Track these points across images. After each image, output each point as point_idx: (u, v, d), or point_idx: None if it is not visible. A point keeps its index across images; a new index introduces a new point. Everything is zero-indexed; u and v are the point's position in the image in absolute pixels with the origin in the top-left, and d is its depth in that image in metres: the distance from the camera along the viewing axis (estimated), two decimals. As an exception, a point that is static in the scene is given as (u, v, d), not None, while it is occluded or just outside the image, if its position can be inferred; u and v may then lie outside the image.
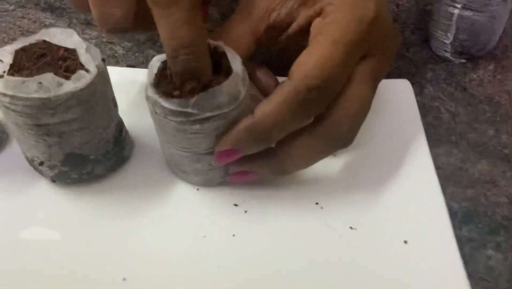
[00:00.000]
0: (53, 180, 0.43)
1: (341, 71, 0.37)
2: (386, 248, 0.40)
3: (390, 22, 0.41)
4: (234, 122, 0.39)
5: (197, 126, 0.38)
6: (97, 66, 0.38)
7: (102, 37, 0.63)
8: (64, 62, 0.38)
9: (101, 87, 0.39)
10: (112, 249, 0.40)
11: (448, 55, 0.62)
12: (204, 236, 0.41)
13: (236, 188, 0.44)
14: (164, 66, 0.39)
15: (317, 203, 0.43)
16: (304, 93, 0.35)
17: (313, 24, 0.40)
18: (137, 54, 0.62)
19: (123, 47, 0.62)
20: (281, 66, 0.58)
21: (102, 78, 0.39)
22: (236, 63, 0.39)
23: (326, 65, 0.36)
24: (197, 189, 0.44)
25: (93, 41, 0.63)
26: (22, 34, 0.63)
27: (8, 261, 0.38)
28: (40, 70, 0.37)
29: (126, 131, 0.46)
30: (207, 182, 0.44)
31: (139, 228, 0.41)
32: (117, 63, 0.60)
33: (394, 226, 0.41)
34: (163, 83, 0.38)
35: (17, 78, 0.36)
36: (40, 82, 0.35)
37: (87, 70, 0.37)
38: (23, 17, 0.66)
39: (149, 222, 0.41)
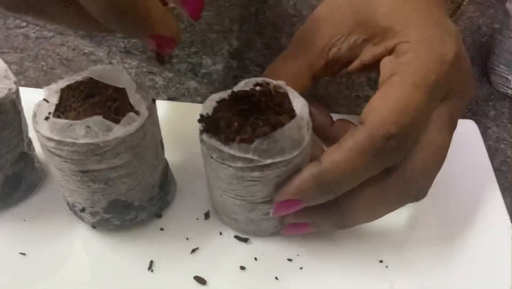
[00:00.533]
0: (94, 226, 0.40)
1: (421, 117, 0.33)
2: (463, 317, 0.35)
3: (469, 61, 0.37)
4: (296, 170, 0.35)
5: (257, 174, 0.34)
6: (148, 108, 0.35)
7: (143, 66, 0.61)
8: (113, 103, 0.35)
9: (151, 130, 0.36)
10: (156, 306, 0.36)
11: (511, 92, 0.57)
12: (256, 296, 0.37)
13: (290, 240, 0.40)
14: (219, 107, 0.36)
15: (381, 261, 0.39)
16: (380, 142, 0.32)
17: (383, 62, 0.36)
18: (178, 85, 0.59)
19: (163, 77, 0.60)
20: (329, 102, 0.54)
21: (152, 121, 0.36)
22: (299, 105, 0.35)
23: (406, 111, 0.32)
24: (247, 240, 0.40)
25: (133, 70, 0.61)
26: (61, 63, 0.61)
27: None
28: (87, 112, 0.34)
29: (171, 174, 0.43)
30: (259, 232, 0.40)
31: (183, 281, 0.37)
32: (157, 95, 0.58)
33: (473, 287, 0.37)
34: (219, 126, 0.34)
35: (63, 121, 0.33)
36: (88, 126, 0.33)
37: (137, 113, 0.34)
38: (62, 45, 0.64)
39: (190, 275, 0.38)
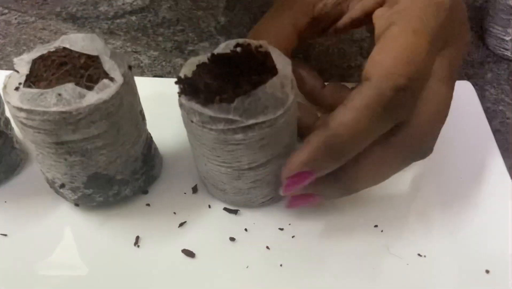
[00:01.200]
0: (76, 204, 0.38)
1: (427, 66, 0.31)
2: (465, 278, 0.34)
3: (465, 8, 0.35)
4: (281, 132, 0.34)
5: (240, 136, 0.32)
6: (123, 75, 0.33)
7: (127, 46, 0.59)
8: (86, 70, 0.33)
9: (128, 98, 0.34)
10: (142, 282, 0.34)
11: (508, 53, 0.55)
12: (247, 267, 0.35)
13: (281, 209, 0.38)
14: (199, 71, 0.34)
15: (376, 226, 0.37)
16: (390, 96, 0.29)
17: (376, 14, 0.34)
18: (163, 63, 0.57)
19: (149, 56, 0.58)
20: (321, 72, 0.52)
21: (129, 88, 0.34)
22: (282, 63, 0.33)
23: (411, 60, 0.30)
24: (237, 212, 0.38)
25: (117, 50, 0.59)
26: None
27: (27, 298, 0.34)
28: (59, 81, 0.32)
29: (156, 148, 0.41)
30: (248, 203, 0.38)
31: (170, 255, 0.36)
32: (142, 74, 0.56)
33: (473, 252, 0.35)
34: (198, 87, 0.33)
35: (34, 90, 0.31)
36: (59, 94, 0.31)
37: (111, 79, 0.33)
38: (44, 29, 0.62)
39: (178, 248, 0.36)
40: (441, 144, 0.42)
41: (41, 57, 0.34)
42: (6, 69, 0.56)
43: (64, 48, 0.35)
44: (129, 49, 0.59)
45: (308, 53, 0.58)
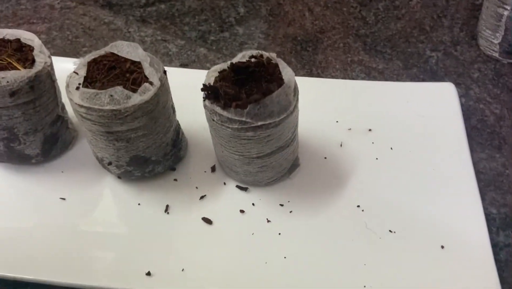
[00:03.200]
0: (119, 177, 0.48)
1: None
2: (423, 252, 0.43)
3: None
4: (284, 131, 0.42)
5: (251, 133, 0.41)
6: (160, 79, 0.42)
7: (157, 35, 0.67)
8: (131, 75, 0.42)
9: (163, 98, 0.43)
10: (170, 241, 0.44)
11: (496, 54, 0.61)
12: (253, 233, 0.45)
13: (283, 189, 0.47)
14: (220, 77, 0.42)
15: (358, 206, 0.46)
16: None
17: None
18: (189, 52, 0.65)
19: (176, 45, 0.66)
20: (326, 65, 0.59)
21: (164, 90, 0.43)
22: (287, 75, 0.41)
23: None
24: (247, 189, 0.48)
25: (148, 38, 0.67)
26: (84, 32, 0.67)
27: (74, 251, 0.44)
28: (110, 83, 0.41)
29: (182, 133, 0.50)
30: (256, 182, 0.47)
31: (193, 222, 0.45)
32: (170, 61, 0.64)
33: (432, 231, 0.44)
34: (219, 93, 0.41)
35: (91, 90, 0.40)
36: (111, 95, 0.40)
37: (151, 83, 0.41)
38: (84, 15, 0.70)
39: (200, 218, 0.46)
40: (420, 137, 0.51)
41: (95, 60, 0.43)
42: (53, 53, 0.65)
43: (112, 53, 0.43)
44: (159, 38, 0.67)
45: (316, 47, 0.65)
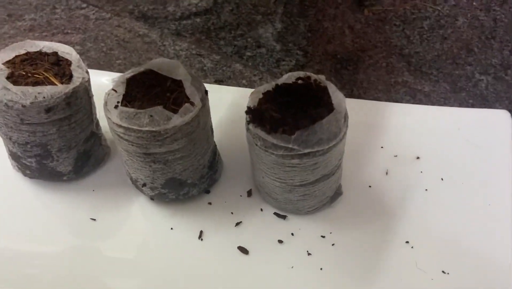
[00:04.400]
0: (152, 198, 0.46)
1: None
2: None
3: None
4: (331, 159, 0.39)
5: (296, 161, 0.38)
6: (201, 99, 0.40)
7: (192, 49, 0.65)
8: (171, 94, 0.40)
9: (203, 119, 0.40)
10: (203, 271, 0.42)
11: (552, 80, 0.58)
12: (292, 267, 0.42)
13: (325, 218, 0.44)
14: (264, 99, 0.40)
15: (407, 242, 0.43)
16: None
17: None
18: (224, 68, 0.63)
19: (211, 60, 0.64)
20: (368, 86, 0.57)
21: (205, 110, 0.41)
22: (337, 99, 0.39)
23: None
24: (285, 217, 0.45)
25: (183, 52, 0.65)
26: (119, 44, 0.66)
27: (102, 276, 0.42)
28: (150, 102, 0.39)
29: (219, 154, 0.47)
30: (296, 210, 0.44)
31: (228, 251, 0.43)
32: (205, 77, 0.62)
33: (490, 273, 0.40)
34: (264, 116, 0.38)
35: (130, 110, 0.38)
36: (151, 115, 0.38)
37: (192, 104, 0.39)
38: (119, 26, 0.69)
39: (234, 245, 0.43)
40: (472, 169, 0.47)
41: (134, 78, 0.41)
42: (87, 64, 0.64)
43: (152, 71, 0.41)
44: (194, 52, 0.65)
45: (357, 66, 0.63)
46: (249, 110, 0.39)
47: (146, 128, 0.37)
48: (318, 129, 0.37)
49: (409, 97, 0.58)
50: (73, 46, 0.66)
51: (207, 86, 0.60)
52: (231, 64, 0.63)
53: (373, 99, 0.58)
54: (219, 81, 0.61)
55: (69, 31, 0.69)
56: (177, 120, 0.38)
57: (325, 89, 0.39)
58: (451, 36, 0.66)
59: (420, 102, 0.58)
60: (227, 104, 0.54)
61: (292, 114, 0.38)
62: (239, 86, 0.61)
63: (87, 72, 0.44)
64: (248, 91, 0.58)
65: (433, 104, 0.57)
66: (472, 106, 0.57)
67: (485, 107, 0.56)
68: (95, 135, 0.46)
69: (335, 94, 0.39)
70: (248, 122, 0.39)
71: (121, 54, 0.65)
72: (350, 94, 0.59)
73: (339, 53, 0.65)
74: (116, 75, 0.57)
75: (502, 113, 0.51)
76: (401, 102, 0.58)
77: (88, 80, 0.44)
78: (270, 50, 0.65)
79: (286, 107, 0.39)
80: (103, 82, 0.51)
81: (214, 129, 0.46)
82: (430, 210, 0.45)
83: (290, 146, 0.37)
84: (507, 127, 0.50)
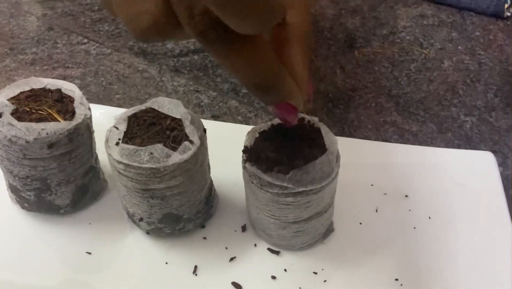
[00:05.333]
0: (148, 233, 0.46)
1: None
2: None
3: None
4: (324, 197, 0.41)
5: (290, 199, 0.40)
6: (200, 138, 0.41)
7: (190, 85, 0.68)
8: (171, 132, 0.41)
9: (202, 156, 0.42)
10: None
11: (533, 123, 0.60)
12: (285, 303, 0.42)
13: (317, 254, 0.46)
14: (261, 138, 0.42)
15: (396, 279, 0.44)
16: None
17: None
18: (221, 104, 0.65)
19: (208, 96, 0.66)
20: (359, 124, 0.59)
21: (203, 148, 0.42)
22: (329, 140, 0.40)
23: None
24: (279, 253, 0.46)
25: (181, 88, 0.67)
26: (118, 79, 0.68)
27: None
28: (150, 140, 0.41)
29: (214, 190, 0.49)
30: (289, 246, 0.46)
31: (222, 286, 0.43)
32: (202, 112, 0.64)
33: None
34: (260, 155, 0.40)
35: (131, 147, 0.40)
36: (151, 153, 0.39)
37: (191, 142, 0.41)
38: (119, 61, 0.71)
39: (228, 280, 0.44)
40: (458, 209, 0.49)
41: (135, 116, 0.43)
42: (86, 98, 0.65)
43: (153, 109, 0.43)
44: (191, 88, 0.67)
45: (348, 105, 0.65)
46: (246, 150, 0.41)
47: (146, 166, 0.39)
48: (311, 169, 0.38)
49: (397, 137, 0.61)
50: (73, 80, 0.68)
51: (204, 122, 0.61)
52: (227, 101, 0.65)
53: (363, 138, 0.60)
54: (215, 117, 0.63)
55: (69, 65, 0.71)
56: (176, 158, 0.39)
57: (318, 131, 0.41)
58: (437, 78, 0.69)
59: (408, 141, 0.60)
60: (223, 139, 0.56)
61: (287, 154, 0.40)
62: (235, 122, 0.63)
63: (89, 109, 0.46)
64: (244, 127, 0.59)
65: (420, 143, 0.59)
66: (458, 146, 0.59)
67: (470, 148, 0.59)
68: (93, 169, 0.48)
69: (328, 136, 0.41)
70: (245, 161, 0.41)
71: (120, 88, 0.67)
72: (341, 133, 0.61)
73: (330, 92, 0.67)
74: (115, 110, 0.59)
75: (486, 154, 0.54)
76: (390, 141, 0.60)
77: (90, 117, 0.45)
78: (264, 88, 0.68)
79: (281, 147, 0.41)
80: (104, 116, 0.53)
81: (210, 165, 0.48)
82: (419, 247, 0.46)
83: (285, 184, 0.38)
84: (491, 168, 0.52)
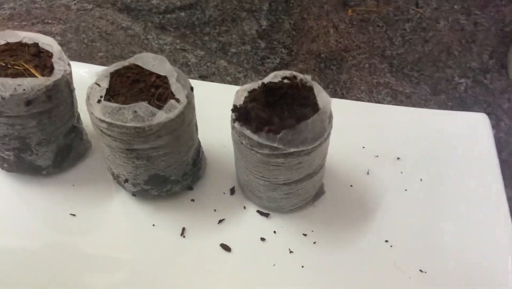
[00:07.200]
0: (134, 195, 0.45)
1: None
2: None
3: None
4: (315, 158, 0.39)
5: (281, 160, 0.38)
6: (187, 96, 0.39)
7: (176, 43, 0.65)
8: (156, 89, 0.39)
9: (189, 116, 0.40)
10: (185, 268, 0.42)
11: (528, 86, 0.59)
12: (274, 265, 0.42)
13: (307, 217, 0.45)
14: (250, 97, 0.40)
15: (386, 241, 0.43)
16: None
17: None
18: (208, 64, 0.63)
19: (195, 55, 0.63)
20: (351, 86, 0.57)
21: (190, 107, 0.40)
22: (322, 99, 0.39)
23: None
24: (268, 215, 0.45)
25: (167, 47, 0.64)
26: (101, 36, 0.65)
27: (81, 274, 0.41)
28: (134, 97, 0.39)
29: (202, 151, 0.47)
30: (278, 208, 0.45)
31: (210, 248, 0.43)
32: (189, 72, 0.61)
33: (465, 272, 0.41)
34: (250, 115, 0.38)
35: (113, 105, 0.37)
36: (135, 111, 0.37)
37: (177, 100, 0.39)
38: (101, 18, 0.68)
39: (217, 242, 0.43)
40: (450, 171, 0.48)
41: (118, 72, 0.40)
42: (68, 56, 0.62)
43: (137, 65, 0.41)
44: (178, 47, 0.64)
45: (341, 66, 0.63)
46: (235, 109, 0.39)
47: (130, 124, 0.37)
48: (303, 129, 0.37)
49: (390, 98, 0.59)
50: (53, 37, 0.64)
51: (192, 82, 0.59)
52: (216, 60, 0.63)
53: (356, 100, 0.59)
54: (203, 77, 0.61)
55: (49, 21, 0.67)
56: (161, 116, 0.38)
57: (311, 89, 0.40)
58: (432, 39, 0.67)
59: (401, 103, 0.59)
60: (212, 101, 0.54)
61: (278, 113, 0.38)
62: (224, 82, 0.61)
63: (69, 64, 0.43)
64: (233, 88, 0.57)
65: (413, 106, 0.58)
66: (451, 108, 0.58)
67: (463, 110, 0.58)
68: (76, 129, 0.46)
69: (321, 95, 0.39)
70: (233, 121, 0.39)
71: (103, 46, 0.64)
72: (333, 94, 0.60)
73: (323, 53, 0.65)
74: (98, 68, 0.56)
75: (481, 116, 0.52)
76: (382, 102, 0.59)
77: (70, 73, 0.43)
78: (254, 47, 0.65)
79: (272, 106, 0.39)
80: (84, 75, 0.50)
81: (198, 126, 0.46)
82: (409, 210, 0.46)
83: (275, 145, 0.37)
84: (485, 131, 0.51)
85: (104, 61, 0.61)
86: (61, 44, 0.64)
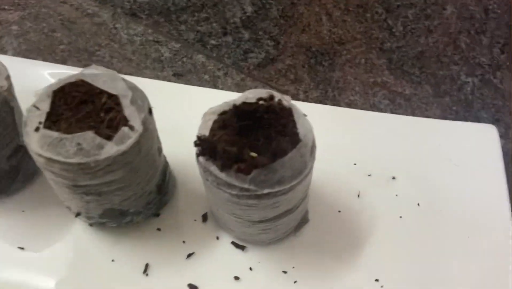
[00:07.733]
0: (91, 225, 0.40)
1: None
2: None
3: None
4: (294, 196, 0.34)
5: (253, 201, 0.33)
6: (143, 121, 0.33)
7: (148, 34, 0.57)
8: (106, 114, 0.33)
9: (147, 144, 0.34)
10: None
11: (542, 87, 0.53)
12: (249, 308, 0.37)
13: (287, 250, 0.40)
14: (219, 123, 0.34)
15: (377, 280, 0.38)
16: None
17: None
18: (184, 59, 0.56)
19: (170, 49, 0.56)
20: (344, 86, 0.50)
21: (148, 134, 0.34)
22: (304, 128, 0.33)
23: None
24: (244, 248, 0.40)
25: (138, 38, 0.57)
26: (63, 24, 0.57)
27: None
28: (79, 123, 0.32)
29: (170, 172, 0.41)
30: (255, 242, 0.39)
31: (173, 285, 0.38)
32: (162, 69, 0.55)
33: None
34: (217, 149, 0.32)
35: (54, 134, 0.31)
36: (78, 143, 0.31)
37: (131, 128, 0.32)
38: (64, 2, 0.60)
39: (184, 281, 0.38)
40: (452, 194, 0.42)
41: (62, 90, 0.34)
42: (25, 49, 0.55)
43: (85, 82, 0.34)
44: (150, 38, 0.57)
45: (334, 62, 0.56)
46: (200, 141, 0.32)
47: (73, 160, 0.31)
48: (279, 168, 0.31)
49: (387, 101, 0.53)
50: (9, 26, 0.57)
51: (164, 84, 0.52)
52: (193, 55, 0.56)
53: (349, 102, 0.52)
54: (178, 75, 0.54)
55: (5, 7, 0.59)
56: (111, 149, 0.31)
57: (290, 113, 0.33)
58: (438, 28, 0.60)
59: (399, 107, 0.52)
60: (185, 107, 0.47)
61: (252, 143, 0.32)
62: (201, 81, 0.54)
63: (8, 78, 0.36)
64: (211, 92, 0.51)
65: (413, 110, 0.52)
66: (456, 113, 0.52)
67: (469, 114, 0.51)
68: (23, 148, 0.39)
69: (301, 121, 0.33)
70: (197, 155, 0.33)
71: (65, 37, 0.56)
72: (323, 96, 0.53)
73: (314, 45, 0.58)
74: (58, 66, 0.49)
75: (489, 128, 0.46)
76: (379, 106, 0.52)
77: (9, 88, 0.36)
78: (237, 39, 0.58)
79: (244, 133, 0.33)
80: (42, 75, 0.44)
81: (168, 139, 0.40)
82: (404, 243, 0.40)
83: (246, 186, 0.31)
84: (493, 144, 0.45)
85: (66, 56, 0.54)
86: (18, 35, 0.56)
